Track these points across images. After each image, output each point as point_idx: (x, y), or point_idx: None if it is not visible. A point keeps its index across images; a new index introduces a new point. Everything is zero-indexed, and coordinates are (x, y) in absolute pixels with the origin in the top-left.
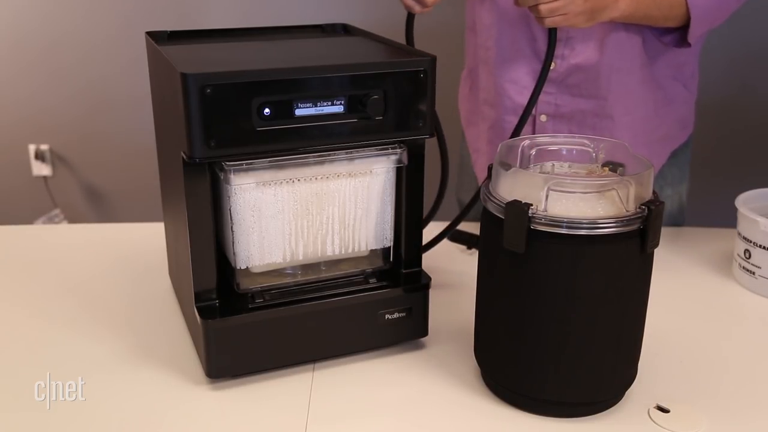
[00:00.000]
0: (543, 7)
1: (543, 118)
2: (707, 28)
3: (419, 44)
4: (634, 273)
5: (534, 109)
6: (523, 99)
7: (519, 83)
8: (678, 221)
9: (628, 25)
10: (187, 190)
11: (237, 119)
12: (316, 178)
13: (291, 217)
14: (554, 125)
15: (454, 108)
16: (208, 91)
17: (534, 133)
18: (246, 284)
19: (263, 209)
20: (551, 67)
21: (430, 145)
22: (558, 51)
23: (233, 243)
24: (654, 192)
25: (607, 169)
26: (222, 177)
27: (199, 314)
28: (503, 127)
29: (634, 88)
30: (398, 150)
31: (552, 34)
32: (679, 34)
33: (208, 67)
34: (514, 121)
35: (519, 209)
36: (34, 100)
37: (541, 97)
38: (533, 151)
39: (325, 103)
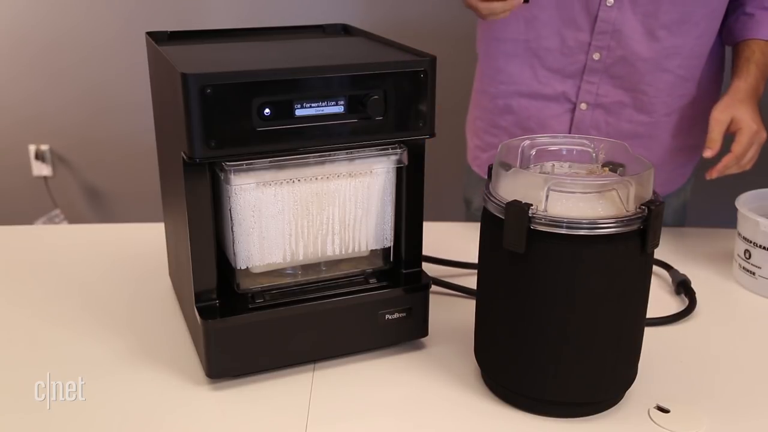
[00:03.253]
0: (746, 160)
1: (583, 106)
2: None
3: (419, 44)
4: (634, 273)
5: (575, 97)
6: (566, 88)
7: (560, 72)
8: (681, 216)
9: (692, 34)
10: (187, 190)
11: (237, 119)
12: (316, 179)
13: (291, 217)
14: (593, 114)
15: (455, 108)
16: (209, 91)
17: (573, 121)
18: (246, 284)
19: (263, 209)
20: (596, 58)
21: (431, 145)
22: (604, 42)
23: (233, 243)
24: (654, 192)
25: (607, 169)
26: (222, 177)
27: (199, 314)
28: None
29: (678, 87)
30: (398, 150)
31: None
32: None
33: (208, 67)
34: (554, 107)
35: (519, 209)
36: (34, 100)
37: (584, 86)
38: (533, 152)
39: (325, 104)
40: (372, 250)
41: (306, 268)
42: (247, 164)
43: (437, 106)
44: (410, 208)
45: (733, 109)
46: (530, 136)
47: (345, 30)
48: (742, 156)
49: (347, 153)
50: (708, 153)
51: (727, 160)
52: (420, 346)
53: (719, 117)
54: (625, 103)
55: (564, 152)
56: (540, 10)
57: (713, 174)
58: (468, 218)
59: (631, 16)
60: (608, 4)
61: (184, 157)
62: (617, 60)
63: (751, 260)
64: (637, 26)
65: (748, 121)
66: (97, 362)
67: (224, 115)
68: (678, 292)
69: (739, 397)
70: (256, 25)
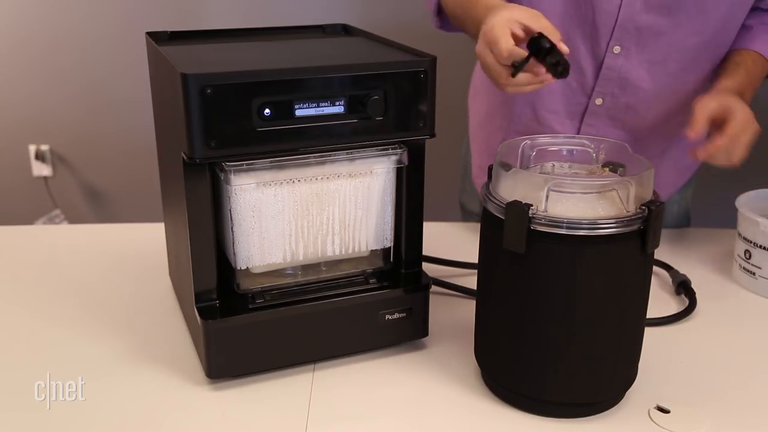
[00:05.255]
0: (738, 151)
1: (599, 101)
2: None
3: (419, 44)
4: (634, 273)
5: (591, 92)
6: (565, 129)
7: (561, 114)
8: (683, 224)
9: (696, 78)
10: (188, 190)
11: (237, 120)
12: (316, 179)
13: (291, 217)
14: None
15: (455, 109)
16: (209, 91)
17: (585, 112)
18: (246, 285)
19: (263, 210)
20: (598, 103)
21: (431, 145)
22: (608, 89)
23: (233, 243)
24: (654, 192)
25: (607, 169)
26: (222, 177)
27: (200, 315)
28: None
29: (671, 120)
30: (399, 150)
31: None
32: None
33: (208, 67)
34: None
35: (519, 210)
36: (34, 100)
37: (583, 128)
38: (533, 152)
39: (325, 104)
40: (372, 251)
41: (306, 268)
42: (247, 164)
43: (437, 106)
44: (410, 208)
45: (720, 98)
46: (530, 136)
47: (345, 30)
48: (735, 139)
49: (347, 153)
50: (691, 133)
51: (720, 141)
52: (420, 347)
53: (706, 103)
54: (624, 141)
55: (564, 152)
56: None
57: (701, 155)
58: (464, 220)
59: (638, 65)
60: (615, 52)
61: (184, 157)
62: (620, 106)
63: (752, 260)
64: (644, 75)
65: (740, 106)
66: (97, 362)
67: (224, 115)
68: (678, 292)
69: (739, 397)
70: (256, 25)
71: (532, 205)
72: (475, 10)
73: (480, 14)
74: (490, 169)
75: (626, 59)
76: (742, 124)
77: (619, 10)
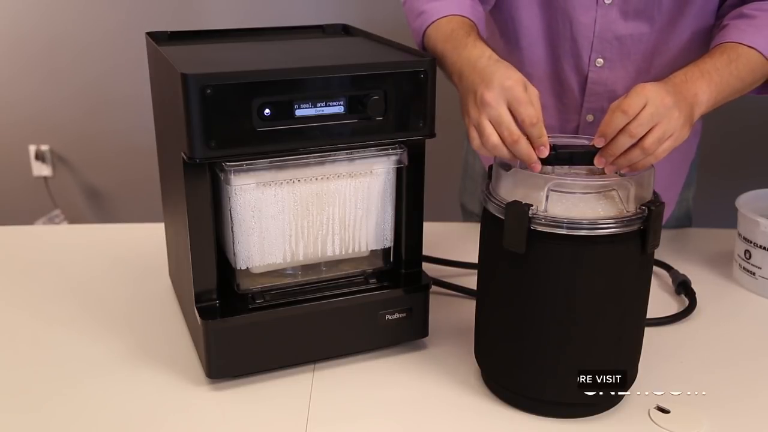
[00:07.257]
0: (648, 141)
1: (590, 117)
2: None
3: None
4: (634, 273)
5: (581, 108)
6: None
7: (556, 130)
8: (685, 225)
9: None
10: (188, 190)
11: (237, 120)
12: (316, 179)
13: (291, 217)
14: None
15: (455, 109)
16: (209, 91)
17: (578, 130)
18: (246, 285)
19: (263, 210)
20: (590, 120)
21: (431, 145)
22: (597, 104)
23: (233, 243)
24: (654, 192)
25: None
26: (222, 177)
27: (200, 315)
28: None
29: None
30: (398, 150)
31: None
32: (761, 85)
33: (208, 67)
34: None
35: (519, 210)
36: (34, 100)
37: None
38: None
39: (325, 104)
40: (372, 251)
41: (306, 268)
42: (247, 164)
43: (437, 106)
44: (410, 208)
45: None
46: None
47: (345, 30)
48: (631, 114)
49: (347, 153)
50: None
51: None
52: (420, 347)
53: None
54: None
55: None
56: (534, 68)
57: (600, 162)
58: (464, 220)
59: (624, 75)
60: (598, 65)
61: (184, 157)
62: None
63: (752, 260)
64: (631, 85)
65: (650, 85)
66: (97, 362)
67: (224, 116)
68: (678, 292)
69: (739, 398)
70: (256, 25)
71: (532, 205)
72: (462, 54)
73: (471, 60)
74: (490, 169)
75: (611, 71)
76: (643, 99)
77: (595, 21)
